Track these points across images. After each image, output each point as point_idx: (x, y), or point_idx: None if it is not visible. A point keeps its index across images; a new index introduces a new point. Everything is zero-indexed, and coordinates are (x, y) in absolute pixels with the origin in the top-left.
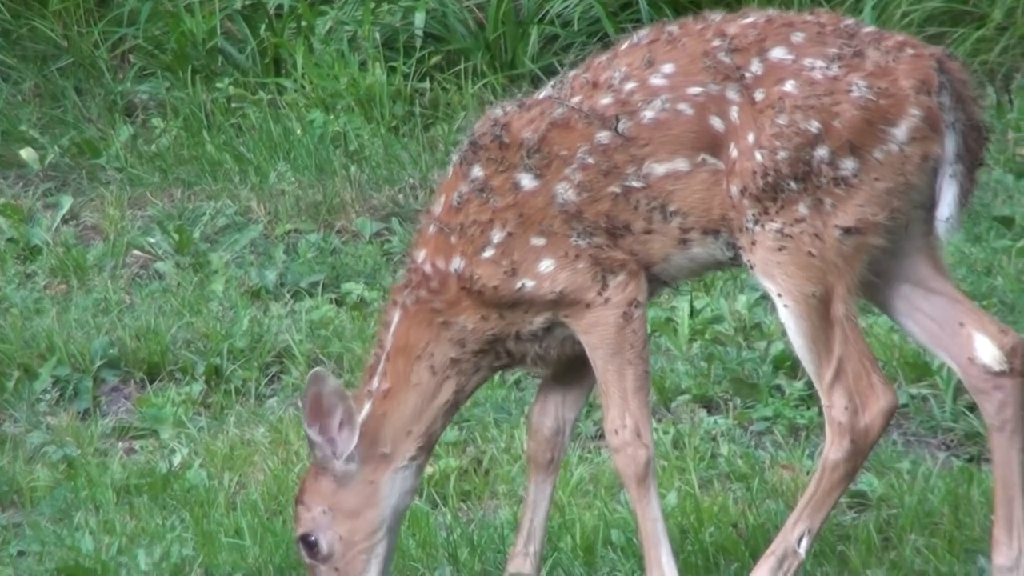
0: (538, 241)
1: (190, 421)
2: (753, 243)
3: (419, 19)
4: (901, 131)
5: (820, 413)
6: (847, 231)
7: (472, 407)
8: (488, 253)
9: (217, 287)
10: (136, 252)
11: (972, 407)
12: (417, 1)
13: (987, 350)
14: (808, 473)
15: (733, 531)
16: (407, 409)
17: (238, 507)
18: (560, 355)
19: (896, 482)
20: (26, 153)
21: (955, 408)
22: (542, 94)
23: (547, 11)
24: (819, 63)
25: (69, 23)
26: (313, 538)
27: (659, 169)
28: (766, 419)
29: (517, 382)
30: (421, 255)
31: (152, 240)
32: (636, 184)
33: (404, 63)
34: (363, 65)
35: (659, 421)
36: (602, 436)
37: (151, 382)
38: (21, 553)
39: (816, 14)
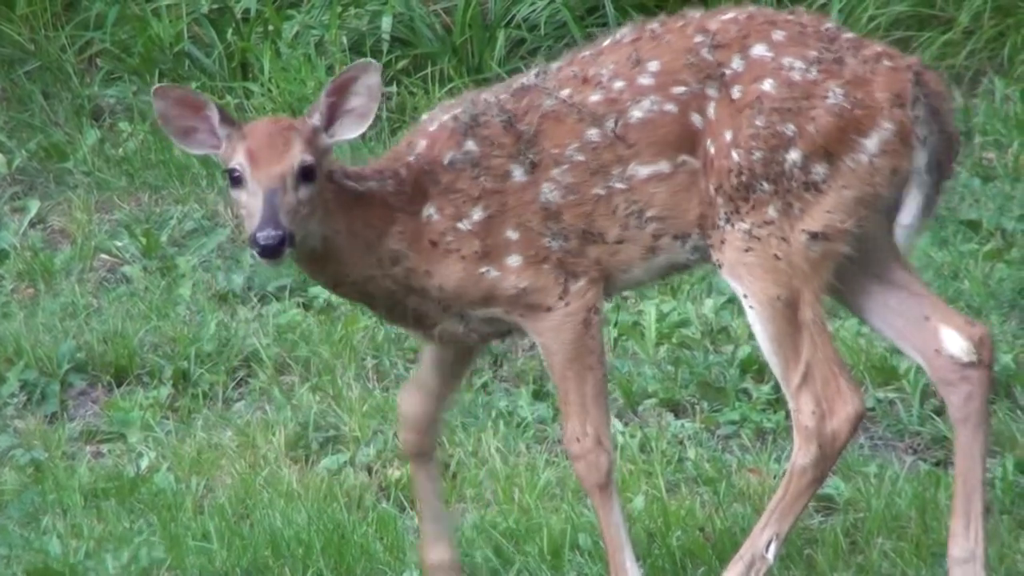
0: (512, 234)
1: (158, 425)
2: (723, 241)
3: (386, 23)
4: (872, 142)
5: (787, 417)
6: (814, 236)
7: None
8: (464, 225)
9: (184, 291)
10: (103, 256)
11: (939, 411)
12: (384, 5)
13: (955, 342)
14: (775, 477)
15: (700, 535)
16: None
17: (206, 511)
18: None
19: (863, 486)
20: None
21: (922, 412)
22: (526, 81)
23: (514, 15)
24: (798, 64)
25: (36, 27)
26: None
27: (643, 171)
28: (733, 423)
29: (484, 386)
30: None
31: (119, 244)
32: (619, 186)
33: None
34: (330, 69)
35: (626, 425)
36: None
37: (118, 386)
38: None
39: (797, 14)
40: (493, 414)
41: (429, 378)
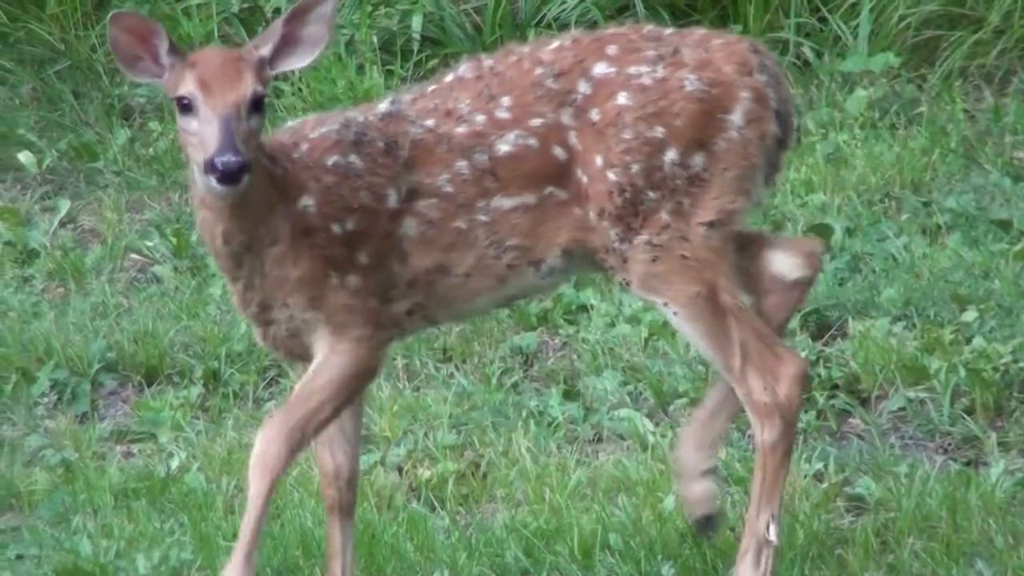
0: (363, 259)
1: (188, 425)
2: (625, 260)
3: (416, 22)
4: (736, 116)
5: (818, 416)
6: (711, 225)
7: (470, 411)
8: (337, 229)
9: (215, 291)
10: (134, 256)
11: (970, 411)
12: (414, 4)
13: (780, 261)
14: (805, 477)
15: (731, 535)
16: None
17: (236, 510)
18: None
19: (894, 486)
20: (24, 157)
21: (953, 412)
22: (385, 108)
23: (544, 14)
24: (643, 68)
25: (67, 26)
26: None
27: (507, 203)
28: None
29: (515, 385)
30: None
31: (150, 244)
32: (482, 218)
33: (401, 66)
34: (360, 69)
35: (656, 425)
36: (599, 439)
37: (149, 386)
38: (19, 557)
39: (617, 27)
40: (524, 414)
41: (331, 431)
